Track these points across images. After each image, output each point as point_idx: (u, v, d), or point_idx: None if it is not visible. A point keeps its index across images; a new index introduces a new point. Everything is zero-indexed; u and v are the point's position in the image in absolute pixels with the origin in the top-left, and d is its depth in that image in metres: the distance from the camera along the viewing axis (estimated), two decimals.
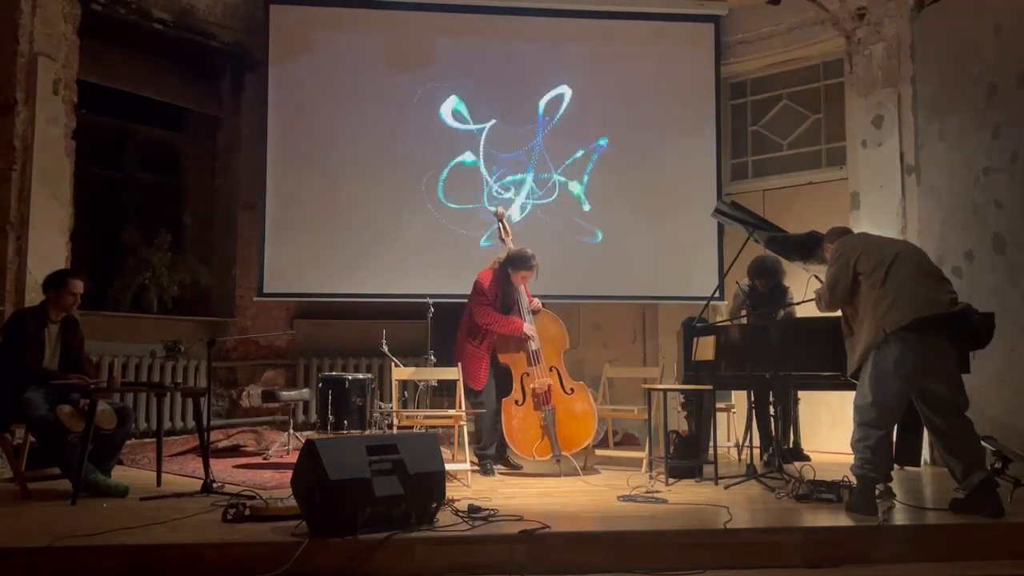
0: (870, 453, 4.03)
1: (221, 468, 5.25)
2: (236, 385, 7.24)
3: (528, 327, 5.40)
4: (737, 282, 6.06)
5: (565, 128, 7.27)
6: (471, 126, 7.17)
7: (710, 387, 5.26)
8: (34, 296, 5.31)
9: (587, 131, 7.29)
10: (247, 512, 3.67)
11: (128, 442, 5.05)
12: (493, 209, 6.08)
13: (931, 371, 4.00)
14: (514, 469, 5.48)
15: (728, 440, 6.38)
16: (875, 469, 4.05)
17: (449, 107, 7.14)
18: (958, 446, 4.05)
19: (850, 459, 5.96)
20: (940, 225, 5.97)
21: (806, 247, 5.16)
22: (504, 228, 5.78)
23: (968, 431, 4.05)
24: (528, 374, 5.40)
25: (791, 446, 5.92)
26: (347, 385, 5.49)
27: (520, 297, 5.50)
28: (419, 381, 6.04)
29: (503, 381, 5.46)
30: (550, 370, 5.44)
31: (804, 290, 5.19)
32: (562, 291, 6.67)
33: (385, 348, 5.93)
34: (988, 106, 5.74)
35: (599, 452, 5.96)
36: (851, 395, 5.35)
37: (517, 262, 5.45)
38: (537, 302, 5.60)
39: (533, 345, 5.42)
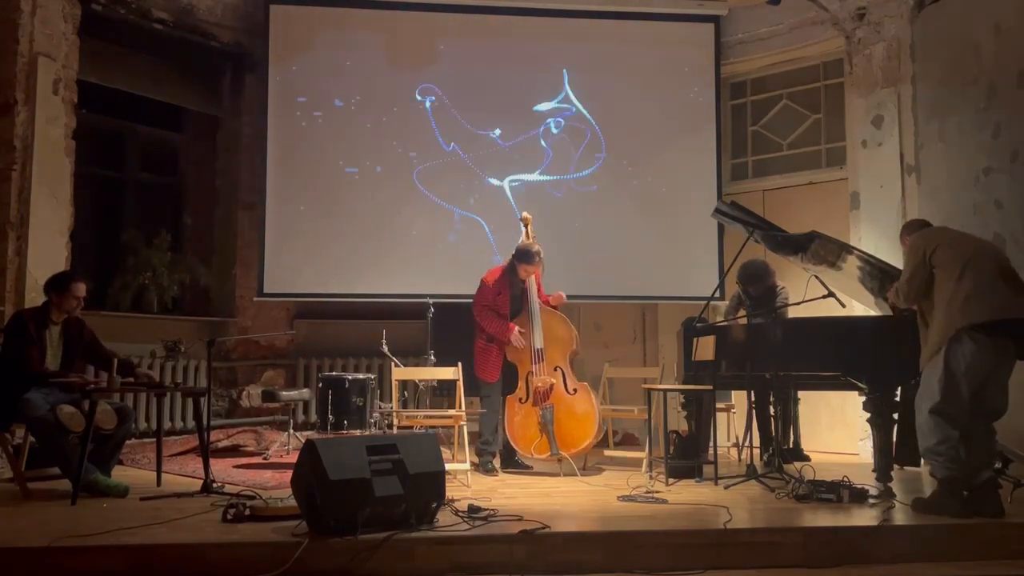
0: (955, 452, 3.95)
1: (221, 468, 5.24)
2: (236, 385, 7.23)
3: (515, 336, 5.39)
4: (737, 282, 6.05)
5: (564, 127, 7.27)
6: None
7: (710, 387, 5.26)
8: (34, 296, 5.31)
9: (587, 131, 7.29)
10: (247, 512, 3.67)
11: (128, 442, 5.05)
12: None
13: (994, 376, 3.94)
14: (524, 469, 5.48)
15: (728, 440, 6.38)
16: (960, 468, 3.94)
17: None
18: (975, 445, 4.02)
19: (850, 460, 5.97)
20: (940, 225, 5.96)
21: (806, 247, 5.15)
22: (527, 234, 5.83)
23: (991, 434, 4.04)
24: (532, 372, 5.42)
25: (791, 446, 5.93)
26: (347, 385, 5.49)
27: (530, 295, 5.52)
28: (419, 381, 6.04)
29: (509, 378, 5.49)
30: (554, 370, 5.45)
31: (804, 290, 5.20)
32: (562, 291, 6.65)
33: (385, 348, 5.93)
34: (988, 106, 5.74)
35: (599, 452, 5.96)
36: (851, 395, 5.38)
37: (520, 255, 5.50)
38: (555, 296, 5.61)
39: (537, 344, 5.43)
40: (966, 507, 3.89)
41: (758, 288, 5.80)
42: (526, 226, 5.87)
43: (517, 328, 5.43)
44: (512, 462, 5.52)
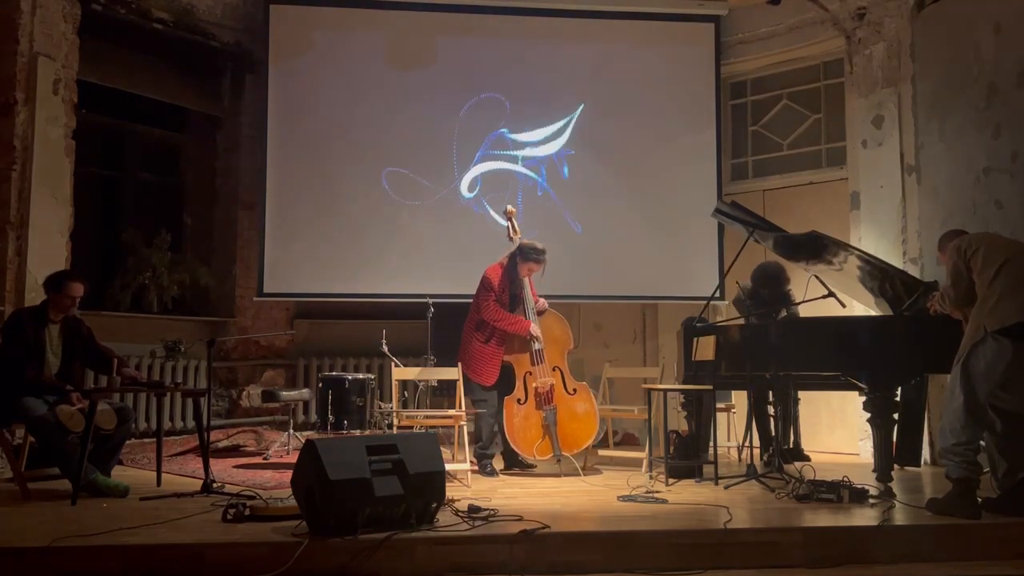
0: (973, 455, 3.94)
1: (221, 468, 5.25)
2: (236, 385, 7.24)
3: (535, 327, 5.39)
4: (737, 282, 6.04)
5: (564, 126, 7.26)
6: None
7: (710, 387, 5.26)
8: (34, 296, 5.31)
9: (587, 130, 7.29)
10: (247, 512, 3.67)
11: (128, 442, 5.04)
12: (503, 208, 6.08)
13: (1017, 381, 3.91)
14: (527, 469, 5.46)
15: (728, 440, 6.38)
16: (975, 470, 3.93)
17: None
18: (1009, 447, 4.02)
19: (850, 460, 5.96)
20: (940, 225, 5.95)
21: (807, 247, 5.15)
22: (513, 227, 5.76)
23: (1022, 434, 4.02)
24: (531, 373, 5.38)
25: (791, 446, 5.93)
26: (347, 385, 5.49)
27: (525, 292, 5.48)
28: (419, 381, 6.04)
29: (506, 380, 5.44)
30: (553, 370, 5.43)
31: (804, 290, 5.20)
32: (562, 291, 6.65)
33: (385, 348, 5.93)
34: (988, 106, 5.74)
35: (599, 452, 5.96)
36: (851, 395, 5.38)
37: (527, 252, 5.40)
38: (543, 302, 5.58)
39: (536, 344, 5.40)
40: (978, 509, 3.87)
41: (771, 291, 5.78)
42: (510, 219, 5.77)
43: (531, 322, 5.40)
44: (515, 463, 5.50)
